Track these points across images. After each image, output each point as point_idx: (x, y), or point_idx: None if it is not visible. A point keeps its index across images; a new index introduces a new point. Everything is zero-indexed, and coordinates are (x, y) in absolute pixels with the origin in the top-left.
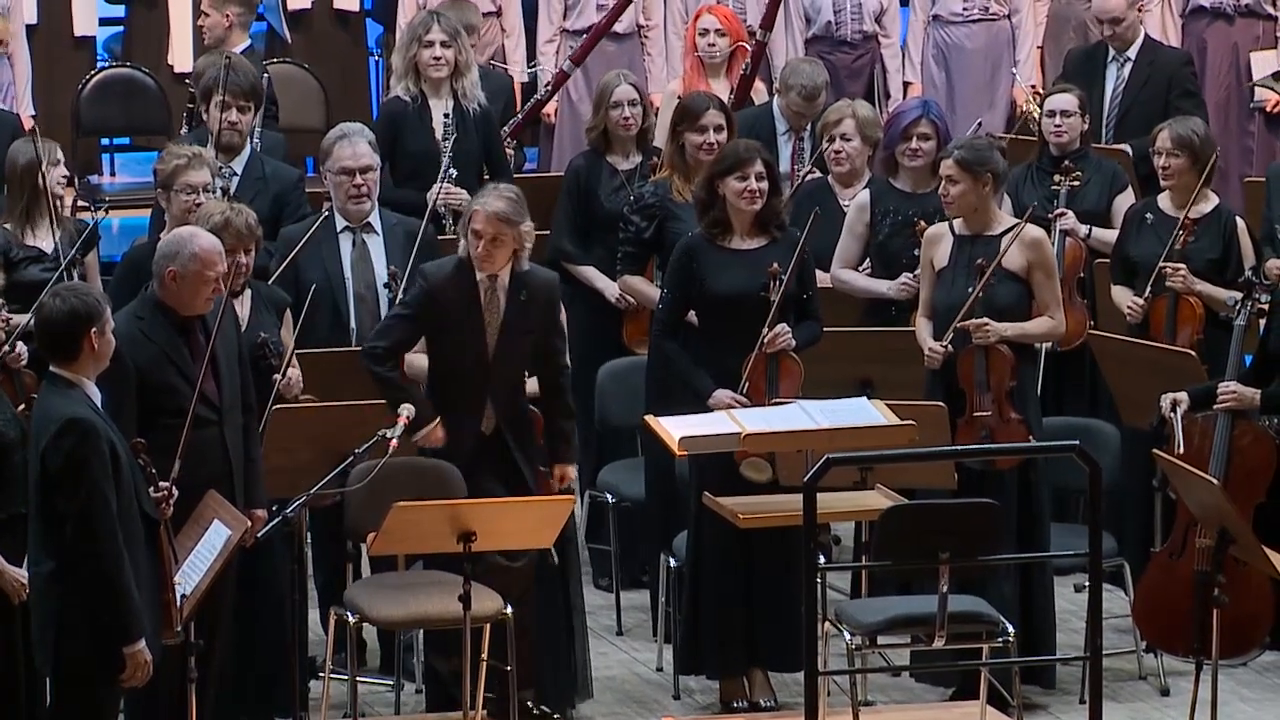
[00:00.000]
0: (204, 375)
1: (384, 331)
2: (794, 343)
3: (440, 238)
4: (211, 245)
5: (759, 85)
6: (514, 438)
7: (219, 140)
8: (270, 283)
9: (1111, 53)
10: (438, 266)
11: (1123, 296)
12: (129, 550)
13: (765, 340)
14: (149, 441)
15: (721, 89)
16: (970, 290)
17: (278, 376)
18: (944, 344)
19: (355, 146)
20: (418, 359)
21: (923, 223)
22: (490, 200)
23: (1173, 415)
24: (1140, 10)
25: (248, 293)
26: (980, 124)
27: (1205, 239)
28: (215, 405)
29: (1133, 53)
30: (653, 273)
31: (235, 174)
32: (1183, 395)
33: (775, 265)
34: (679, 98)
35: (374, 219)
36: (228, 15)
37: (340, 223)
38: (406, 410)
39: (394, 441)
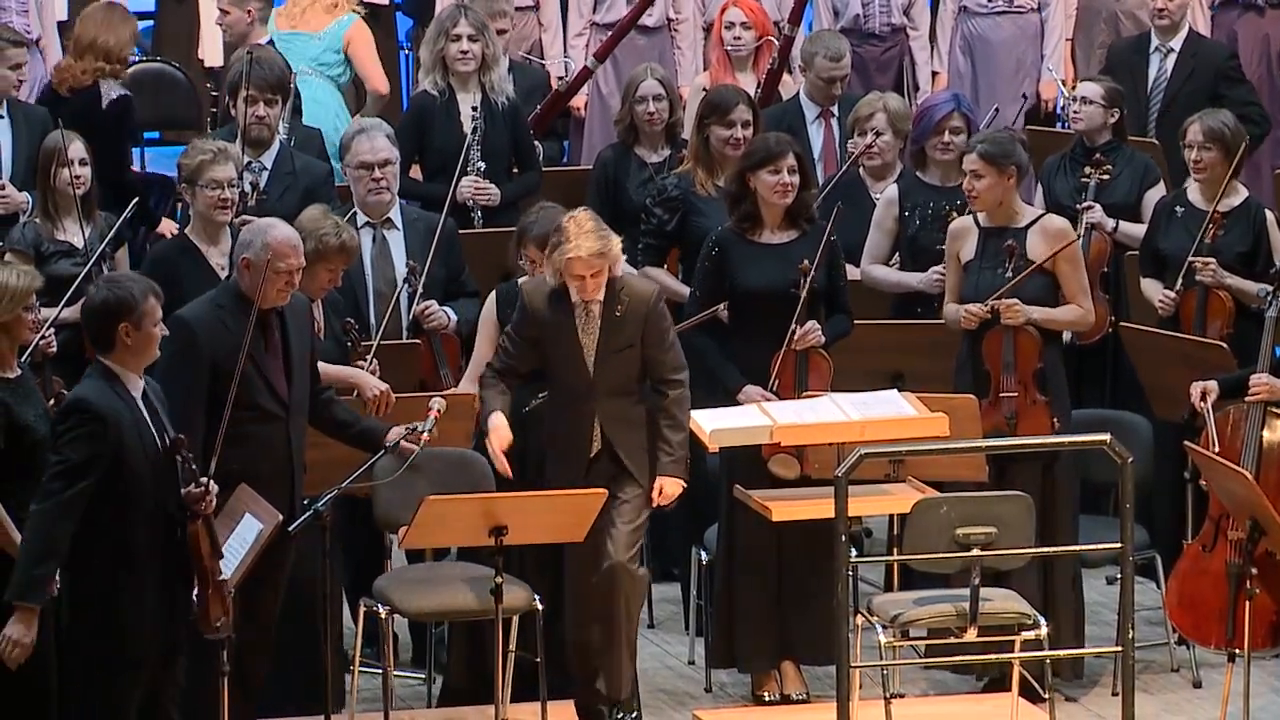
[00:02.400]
0: (276, 371)
1: (497, 354)
2: (823, 339)
3: (463, 231)
4: (286, 237)
5: (786, 79)
6: (626, 455)
7: (247, 135)
8: None
9: (1155, 43)
10: (534, 286)
11: (1152, 289)
12: (132, 544)
13: (795, 337)
14: (214, 430)
15: (748, 82)
16: (1003, 274)
17: (361, 362)
18: (985, 306)
19: (373, 141)
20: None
21: (955, 214)
22: (582, 242)
23: (1203, 404)
24: None
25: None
26: (996, 110)
27: (1234, 232)
28: (284, 402)
29: (1176, 44)
30: (675, 264)
31: (265, 168)
32: (1212, 384)
33: (805, 262)
34: (705, 91)
35: (394, 214)
36: (249, 11)
37: (361, 218)
38: (438, 404)
39: (425, 435)
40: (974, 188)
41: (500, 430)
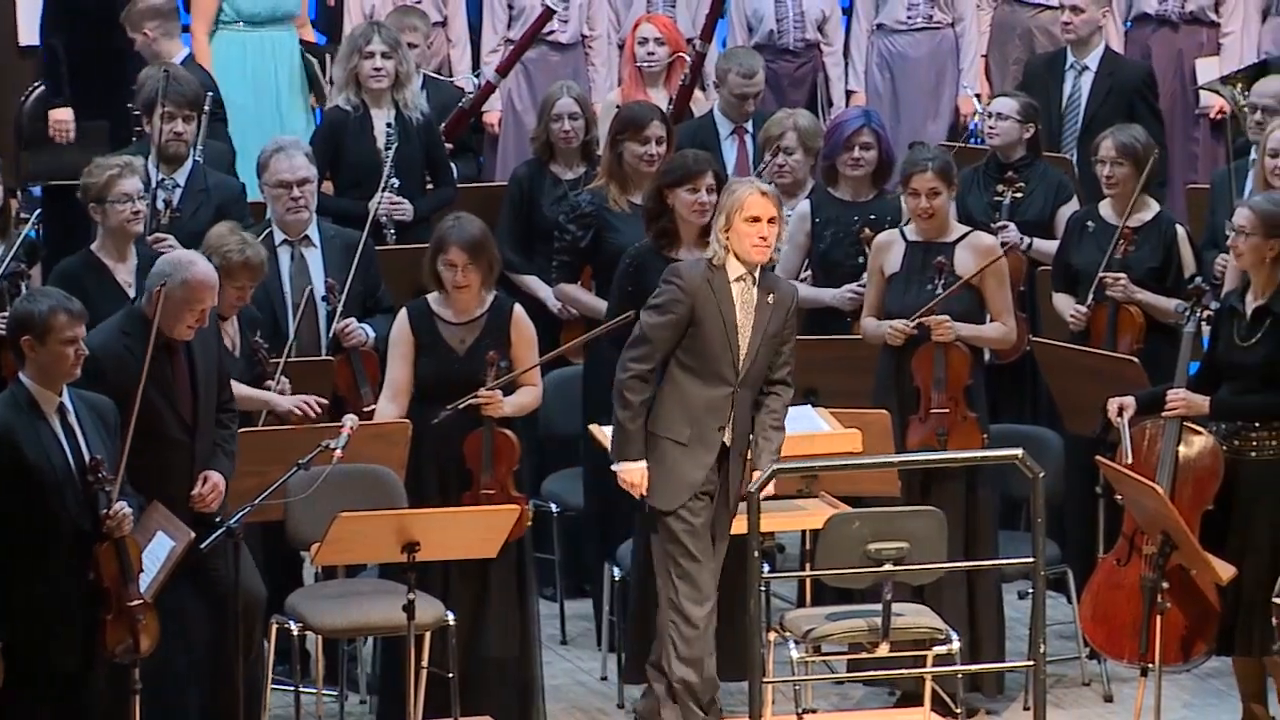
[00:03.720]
0: (183, 395)
1: (641, 351)
2: None
3: (380, 248)
4: (206, 277)
5: (698, 95)
6: (741, 452)
7: (164, 151)
8: None
9: (1070, 60)
10: (689, 266)
11: (1064, 304)
12: (41, 563)
13: None
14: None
15: (660, 98)
16: (931, 290)
17: (271, 383)
18: (911, 323)
19: (292, 159)
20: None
21: (868, 230)
22: (755, 184)
23: (1119, 420)
24: (1104, 14)
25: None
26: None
27: (1145, 247)
28: (189, 426)
29: (1092, 62)
30: (589, 280)
31: (178, 185)
32: (1129, 399)
33: None
34: (618, 107)
35: (312, 231)
36: (145, 33)
37: (279, 235)
38: (350, 420)
39: (338, 452)
40: (931, 206)
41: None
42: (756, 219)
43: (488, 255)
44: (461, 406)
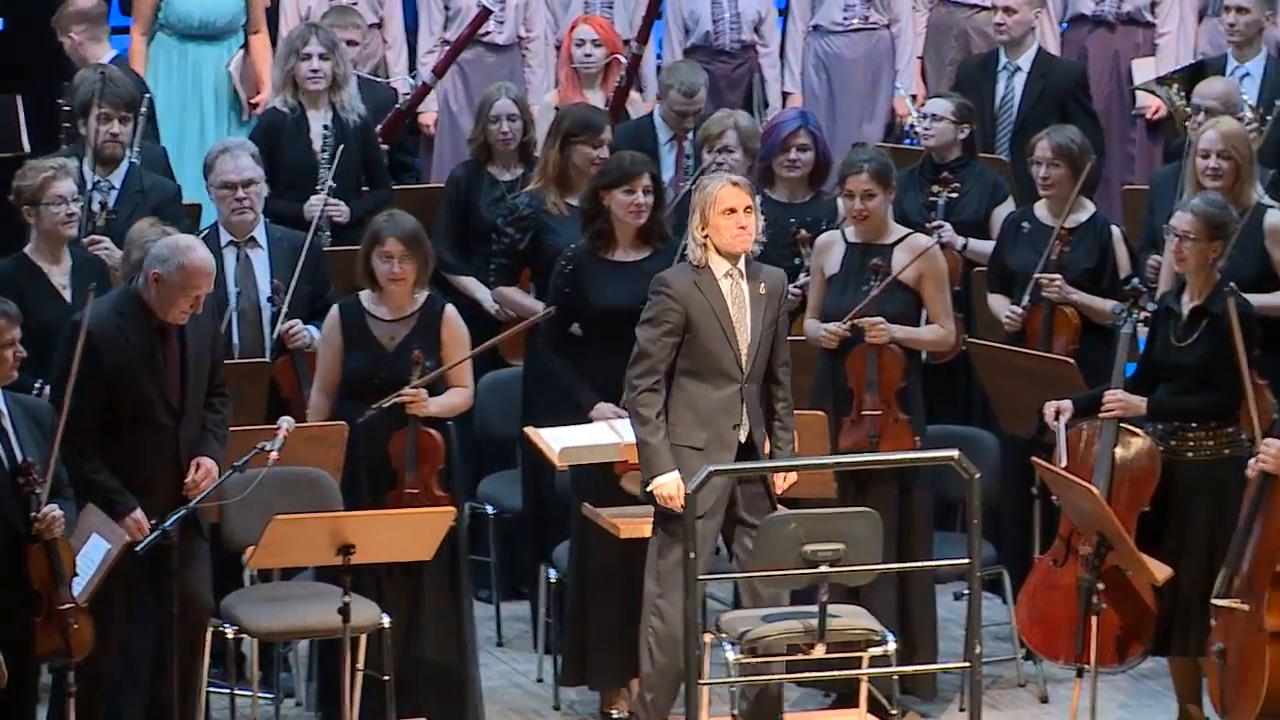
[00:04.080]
0: (172, 380)
1: (645, 366)
2: None
3: (323, 250)
4: (203, 263)
5: (634, 97)
6: (759, 445)
7: (101, 153)
8: None
9: (1004, 61)
10: (674, 272)
11: (999, 305)
12: None
13: None
14: (108, 446)
15: (597, 100)
16: (867, 292)
17: None
18: (844, 325)
19: (237, 160)
20: None
21: (804, 230)
22: (725, 177)
23: (1056, 424)
24: (1036, 15)
25: None
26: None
27: (1081, 248)
28: (176, 412)
29: (1025, 62)
30: (527, 283)
31: (114, 188)
32: (1066, 404)
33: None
34: (557, 109)
35: (258, 233)
36: (71, 36)
37: (225, 236)
38: (286, 423)
39: (274, 454)
40: (866, 208)
41: (677, 499)
42: (733, 210)
43: (424, 249)
44: (386, 405)
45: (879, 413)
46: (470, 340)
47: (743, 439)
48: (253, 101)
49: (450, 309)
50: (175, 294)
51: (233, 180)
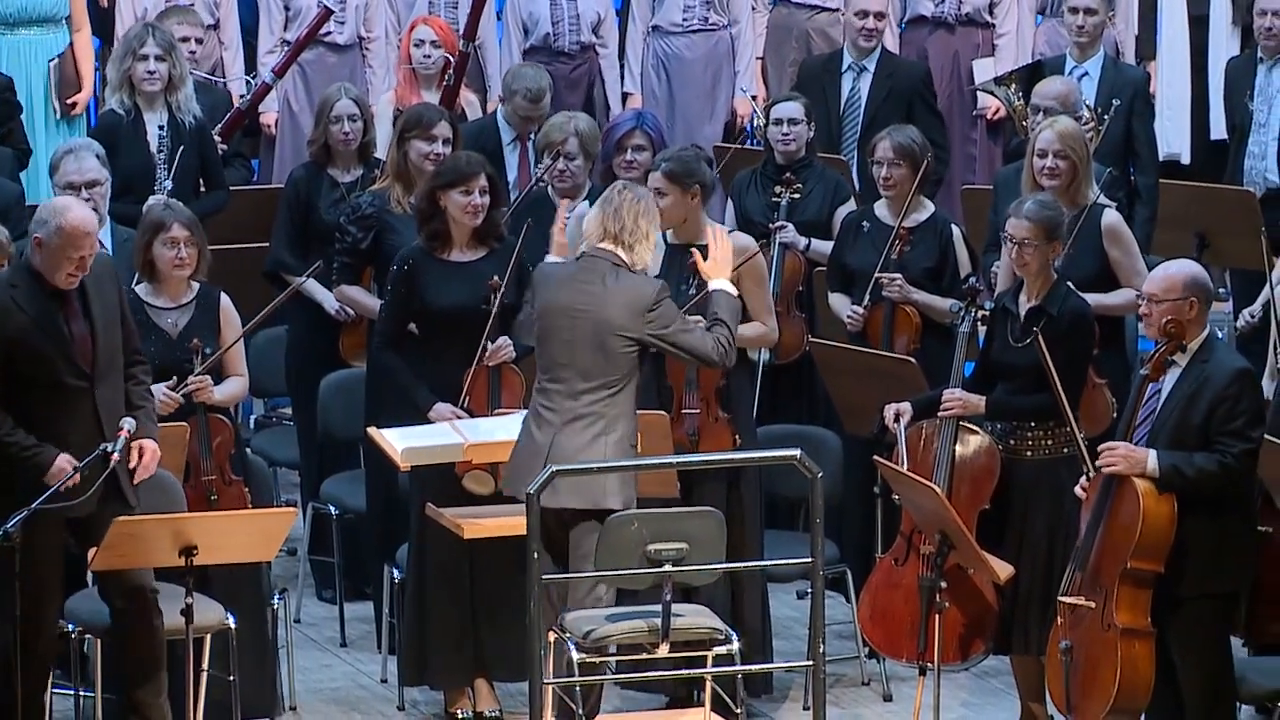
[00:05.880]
0: (81, 342)
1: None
2: (515, 354)
3: None
4: (80, 222)
5: (471, 97)
6: None
7: None
8: None
9: (848, 62)
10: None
11: (840, 304)
12: None
13: (487, 353)
14: (20, 412)
15: (434, 100)
16: (685, 290)
17: None
18: None
19: (82, 162)
20: None
21: None
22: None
23: (896, 426)
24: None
25: None
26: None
27: (921, 247)
28: (87, 374)
29: (870, 63)
30: (369, 282)
31: None
32: (906, 406)
33: (495, 279)
34: (398, 109)
35: (105, 235)
36: None
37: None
38: (128, 424)
39: (115, 455)
40: (660, 207)
41: None
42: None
43: (203, 238)
44: (179, 393)
45: (698, 411)
46: (315, 339)
47: None
48: (70, 101)
49: (225, 297)
50: (58, 256)
51: (76, 181)
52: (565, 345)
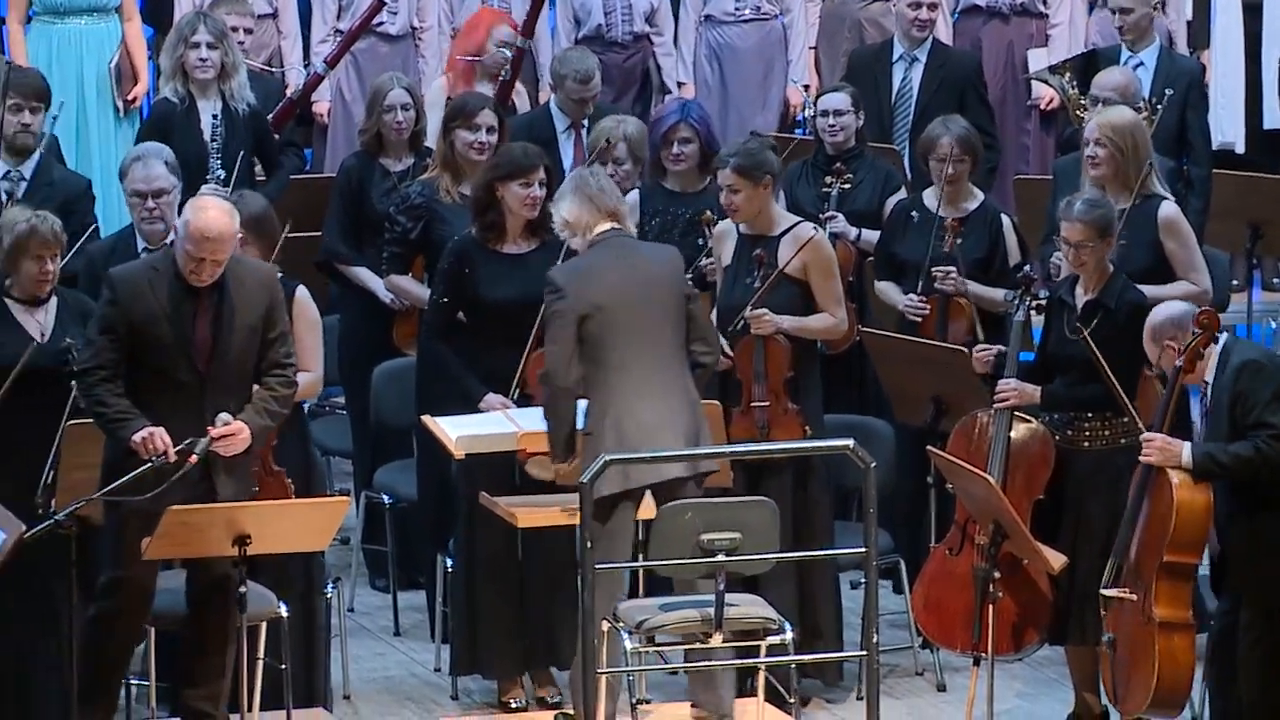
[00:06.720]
0: (202, 342)
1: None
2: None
3: None
4: (203, 225)
5: (520, 88)
6: None
7: (11, 143)
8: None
9: (899, 51)
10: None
11: (890, 292)
12: None
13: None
14: (129, 388)
15: (486, 91)
16: (749, 283)
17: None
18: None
19: (149, 169)
20: None
21: (709, 212)
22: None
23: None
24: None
25: (53, 300)
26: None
27: (971, 237)
28: (200, 372)
29: (921, 54)
30: (420, 272)
31: (24, 178)
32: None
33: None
34: (448, 97)
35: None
36: None
37: (141, 242)
38: (222, 417)
39: (194, 457)
40: (732, 202)
41: None
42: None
43: (277, 226)
44: None
45: (767, 404)
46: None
47: None
48: (128, 98)
49: (302, 290)
50: (181, 251)
51: (142, 189)
52: (639, 325)
